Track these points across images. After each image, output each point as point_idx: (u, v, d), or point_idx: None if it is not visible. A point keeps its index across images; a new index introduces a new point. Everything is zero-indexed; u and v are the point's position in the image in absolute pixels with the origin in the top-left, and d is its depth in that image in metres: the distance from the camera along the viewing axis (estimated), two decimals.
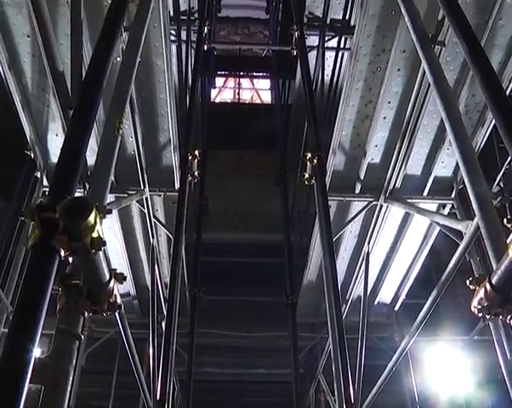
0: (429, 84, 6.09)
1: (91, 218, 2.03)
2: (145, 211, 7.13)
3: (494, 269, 2.48)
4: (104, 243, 2.15)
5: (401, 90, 6.55)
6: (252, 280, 10.95)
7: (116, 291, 2.50)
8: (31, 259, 2.00)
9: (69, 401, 6.70)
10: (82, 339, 2.39)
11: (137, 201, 7.28)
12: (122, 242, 8.17)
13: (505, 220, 2.27)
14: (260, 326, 10.39)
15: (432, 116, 6.72)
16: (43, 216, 1.98)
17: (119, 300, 2.53)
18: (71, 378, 2.18)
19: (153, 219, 7.42)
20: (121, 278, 2.50)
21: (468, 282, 2.63)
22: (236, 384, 11.35)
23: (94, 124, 5.70)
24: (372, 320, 8.96)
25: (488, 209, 2.77)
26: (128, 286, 9.25)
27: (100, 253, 2.21)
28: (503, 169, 6.80)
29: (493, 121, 6.61)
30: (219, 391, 11.13)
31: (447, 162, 7.26)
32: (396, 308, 9.99)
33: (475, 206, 2.82)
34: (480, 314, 2.52)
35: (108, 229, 7.83)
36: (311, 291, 9.44)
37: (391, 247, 8.52)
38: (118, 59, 4.80)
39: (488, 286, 2.45)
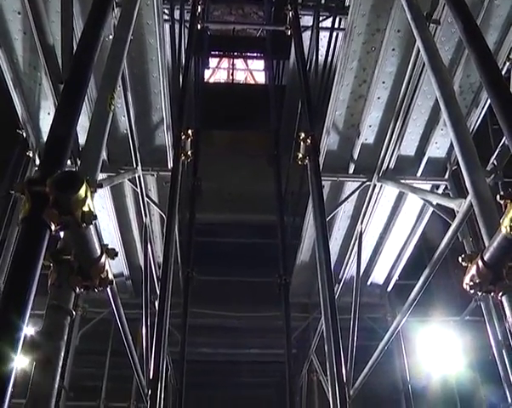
0: (424, 64, 6.09)
1: (81, 192, 2.01)
2: (138, 190, 7.09)
3: (486, 246, 2.48)
4: (95, 217, 2.14)
5: (395, 70, 6.51)
6: (245, 261, 10.96)
7: (107, 267, 2.49)
8: (21, 233, 1.98)
9: (62, 381, 6.75)
10: (74, 315, 2.38)
11: (130, 181, 7.25)
12: (115, 222, 8.15)
13: (498, 197, 2.27)
14: (253, 307, 10.42)
15: (426, 97, 6.70)
16: (34, 190, 1.96)
17: (111, 276, 2.52)
18: (62, 354, 2.17)
19: (146, 199, 7.39)
20: (112, 253, 2.48)
21: (460, 259, 2.63)
22: (229, 364, 11.40)
23: (86, 102, 5.69)
24: (365, 300, 8.98)
25: (481, 187, 2.77)
26: (121, 266, 9.25)
27: (91, 228, 2.20)
28: (498, 148, 6.78)
29: (488, 103, 6.62)
30: (212, 371, 11.19)
31: (441, 143, 7.26)
32: (389, 289, 10.05)
33: (468, 184, 2.82)
34: (472, 291, 2.53)
35: (101, 208, 7.81)
36: (304, 272, 9.47)
37: (384, 228, 8.54)
38: (110, 36, 4.75)
39: (480, 263, 2.46)
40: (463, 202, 3.57)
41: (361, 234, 7.77)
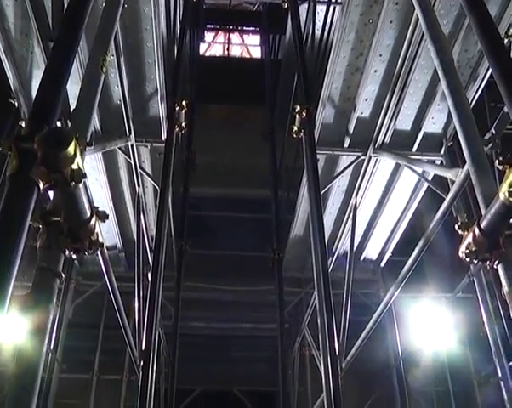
0: (422, 38, 6.03)
1: (70, 149, 1.96)
2: (131, 161, 7.02)
3: (483, 214, 2.45)
4: (84, 175, 2.08)
5: (392, 43, 6.43)
6: (239, 235, 10.94)
7: (97, 229, 2.44)
8: (8, 191, 1.92)
9: (55, 353, 6.74)
10: (63, 279, 2.33)
11: (123, 152, 7.18)
12: (108, 194, 8.10)
13: (497, 162, 2.23)
14: (246, 281, 10.43)
15: (424, 71, 6.64)
16: (21, 146, 1.90)
17: (101, 238, 2.47)
18: (51, 316, 2.13)
19: (139, 170, 7.32)
20: (103, 216, 2.44)
21: (456, 227, 2.59)
22: (222, 339, 11.42)
23: (78, 67, 5.60)
24: (358, 276, 8.98)
25: (479, 155, 2.73)
26: (115, 239, 9.22)
27: (81, 188, 2.15)
28: (498, 118, 6.73)
29: (485, 79, 6.56)
30: (204, 345, 11.20)
31: (438, 118, 7.21)
32: (382, 264, 10.06)
33: (465, 152, 2.77)
34: (468, 259, 2.50)
35: (94, 180, 7.76)
36: (298, 246, 9.46)
37: (379, 203, 8.52)
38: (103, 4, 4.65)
39: (477, 231, 2.43)
40: (459, 172, 3.53)
41: (355, 208, 7.73)
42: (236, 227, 11.18)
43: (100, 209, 6.88)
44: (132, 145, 6.65)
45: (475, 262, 2.48)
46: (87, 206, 2.31)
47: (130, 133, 6.55)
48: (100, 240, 2.48)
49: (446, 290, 9.96)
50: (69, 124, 5.36)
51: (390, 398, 9.66)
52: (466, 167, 3.11)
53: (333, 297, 5.53)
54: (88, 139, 2.57)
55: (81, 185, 2.14)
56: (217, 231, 11.02)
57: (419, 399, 10.16)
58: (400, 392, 9.45)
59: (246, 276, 10.48)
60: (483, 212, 2.51)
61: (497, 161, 2.20)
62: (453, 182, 3.90)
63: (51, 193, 2.36)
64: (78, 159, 2.03)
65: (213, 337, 11.36)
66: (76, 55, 5.26)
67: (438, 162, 7.54)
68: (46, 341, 2.12)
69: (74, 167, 2.02)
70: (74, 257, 2.43)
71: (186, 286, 8.94)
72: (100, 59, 2.96)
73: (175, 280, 8.63)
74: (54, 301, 2.24)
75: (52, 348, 8.97)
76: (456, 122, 2.99)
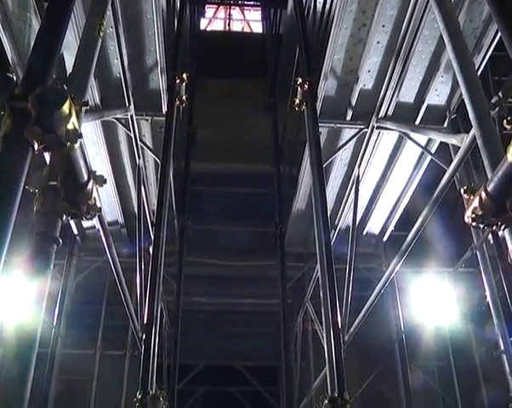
0: (425, 8, 5.92)
1: (65, 108, 1.90)
2: (132, 135, 6.95)
3: (490, 177, 2.39)
4: (80, 135, 2.03)
5: (395, 13, 6.31)
6: (241, 211, 10.92)
7: (95, 194, 2.39)
8: (2, 151, 1.87)
9: (59, 328, 6.74)
10: (60, 243, 2.28)
11: (123, 125, 7.11)
12: (109, 168, 8.04)
13: (505, 121, 2.17)
14: (249, 256, 10.41)
15: (427, 42, 6.52)
16: (15, 106, 1.85)
17: (99, 203, 2.42)
18: (48, 282, 2.09)
19: (140, 143, 7.25)
20: (100, 180, 2.39)
21: (462, 191, 2.54)
22: (225, 314, 11.45)
23: (75, 35, 5.50)
24: (360, 250, 8.92)
25: (485, 118, 2.67)
26: (116, 214, 9.19)
27: (78, 151, 2.09)
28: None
29: (490, 50, 6.44)
30: (207, 321, 11.23)
31: (441, 90, 7.11)
32: (384, 239, 10.02)
33: (471, 116, 2.71)
34: (474, 224, 2.45)
35: (95, 155, 7.70)
36: (300, 221, 9.41)
37: (381, 177, 8.46)
38: None
39: (483, 194, 2.37)
40: (465, 137, 3.46)
41: (357, 182, 7.66)
42: (238, 202, 11.15)
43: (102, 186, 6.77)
44: (131, 116, 6.55)
45: (481, 226, 2.43)
46: (84, 169, 2.26)
47: (130, 104, 6.43)
48: (98, 204, 2.43)
49: (448, 264, 9.94)
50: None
51: (392, 372, 9.68)
52: (472, 131, 3.05)
53: (336, 272, 5.52)
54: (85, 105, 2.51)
55: (77, 147, 2.09)
56: (218, 207, 10.99)
57: (421, 374, 10.19)
58: (402, 366, 9.47)
59: (248, 252, 10.46)
60: (489, 176, 2.46)
61: (505, 121, 2.14)
62: (457, 150, 3.83)
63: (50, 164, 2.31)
64: (74, 119, 1.98)
65: (216, 312, 11.39)
66: (73, 22, 5.20)
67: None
68: (44, 306, 2.09)
69: (69, 127, 1.96)
70: (71, 221, 2.39)
71: (188, 262, 8.94)
72: (97, 24, 2.89)
73: (177, 256, 8.63)
74: (52, 266, 2.20)
75: (55, 323, 8.99)
76: (462, 86, 2.92)
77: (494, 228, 2.41)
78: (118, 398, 9.97)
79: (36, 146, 1.89)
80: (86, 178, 2.29)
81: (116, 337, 10.36)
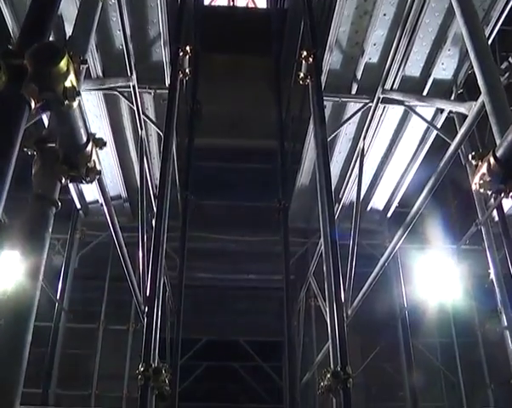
0: None
1: (63, 64, 1.84)
2: (134, 107, 6.88)
3: (498, 143, 2.33)
4: (78, 93, 1.97)
5: None
6: (244, 186, 10.88)
7: (94, 157, 2.34)
8: None
9: (62, 303, 6.72)
10: (59, 206, 2.24)
11: (126, 98, 7.04)
12: (111, 142, 8.00)
13: None
14: (252, 232, 10.38)
15: (434, 14, 6.41)
16: (11, 62, 1.80)
17: (98, 166, 2.37)
18: (47, 245, 2.05)
19: (143, 116, 7.18)
20: (100, 143, 2.34)
21: (470, 157, 2.48)
22: (228, 289, 11.45)
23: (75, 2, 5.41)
24: (364, 226, 8.88)
25: (494, 83, 2.60)
26: (119, 189, 9.16)
27: (76, 111, 2.04)
28: None
29: (498, 25, 6.32)
30: (210, 296, 11.25)
31: (448, 64, 7.01)
32: (389, 215, 9.96)
33: (480, 82, 2.64)
34: (482, 190, 2.39)
35: (97, 129, 7.63)
36: (304, 196, 9.36)
37: (386, 152, 8.39)
38: None
39: (492, 160, 2.32)
40: (473, 105, 3.40)
41: (362, 156, 7.58)
42: (242, 178, 11.11)
43: (104, 157, 6.78)
44: (134, 87, 6.46)
45: (489, 193, 2.38)
46: (83, 130, 2.21)
47: (132, 74, 6.34)
48: (98, 167, 2.38)
49: (452, 241, 9.90)
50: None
51: (395, 349, 9.69)
52: (480, 98, 2.98)
53: (339, 248, 5.50)
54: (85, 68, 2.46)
55: (76, 106, 2.04)
56: (222, 182, 10.95)
57: (423, 350, 10.20)
58: (404, 343, 9.46)
59: (251, 227, 10.43)
60: (498, 142, 2.40)
61: None
62: (464, 120, 3.75)
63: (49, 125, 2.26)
64: (72, 76, 1.92)
65: (219, 287, 11.40)
66: None
67: (447, 110, 7.37)
68: (42, 270, 2.05)
69: (67, 84, 1.91)
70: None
71: (192, 237, 8.92)
72: None
73: (180, 231, 8.61)
74: (51, 229, 2.16)
75: (58, 298, 9.01)
76: (471, 51, 2.85)
77: (503, 194, 2.36)
78: (121, 372, 10.04)
79: (33, 104, 1.84)
80: (85, 139, 2.24)
81: (120, 312, 10.42)
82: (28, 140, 1.97)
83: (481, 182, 2.40)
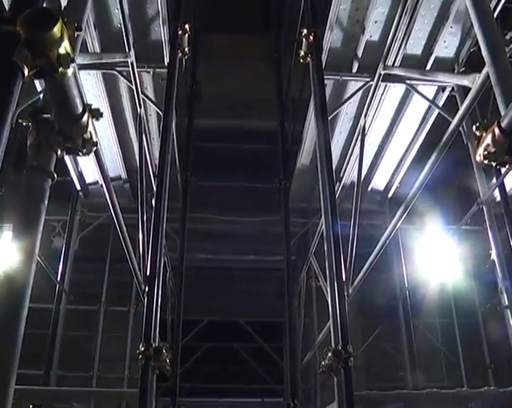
0: None
1: (56, 30, 1.79)
2: (133, 87, 6.81)
3: (503, 113, 2.29)
4: (72, 60, 1.93)
5: None
6: (245, 167, 10.84)
7: (90, 128, 2.30)
8: None
9: (62, 285, 6.70)
10: (55, 178, 2.19)
11: (124, 77, 6.96)
12: (111, 123, 7.95)
13: None
14: (253, 212, 10.36)
15: None
16: (3, 29, 1.75)
17: (95, 137, 2.33)
18: (43, 218, 2.01)
19: (142, 96, 7.11)
20: (97, 113, 2.29)
21: (474, 128, 2.44)
22: (228, 270, 11.45)
23: None
24: (365, 207, 8.84)
25: (499, 53, 2.55)
26: (119, 169, 9.11)
27: (71, 79, 1.99)
28: None
29: (500, 4, 6.22)
30: (211, 277, 11.25)
31: (450, 42, 6.93)
32: (389, 195, 9.92)
33: (485, 52, 2.59)
34: (486, 162, 2.35)
35: None
36: (304, 176, 9.31)
37: (387, 131, 8.33)
38: None
39: (497, 131, 2.27)
40: (477, 77, 3.34)
41: (363, 136, 7.52)
42: (242, 158, 11.05)
43: (104, 138, 6.72)
44: (132, 64, 6.36)
45: (494, 165, 2.33)
46: (78, 100, 2.16)
47: (130, 50, 6.24)
48: (94, 139, 2.34)
49: (452, 222, 9.87)
50: None
51: (396, 329, 9.70)
52: (485, 69, 2.93)
53: (340, 228, 5.47)
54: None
55: (71, 74, 1.99)
56: (223, 163, 10.90)
57: (424, 331, 10.22)
58: (405, 323, 9.46)
59: (252, 208, 10.40)
60: (502, 112, 2.35)
61: None
62: (467, 93, 3.69)
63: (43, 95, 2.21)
64: (66, 43, 1.87)
65: (220, 268, 11.41)
66: None
67: (449, 88, 7.31)
68: (38, 244, 2.01)
69: (61, 51, 1.86)
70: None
71: (192, 218, 8.89)
72: None
73: (180, 211, 8.58)
74: (46, 202, 2.12)
75: (59, 279, 9.01)
76: (474, 21, 2.78)
77: (507, 166, 2.32)
78: (122, 353, 10.08)
79: (26, 72, 1.79)
80: (80, 109, 2.20)
81: (120, 294, 10.45)
82: (23, 112, 1.93)
83: (485, 153, 2.36)
